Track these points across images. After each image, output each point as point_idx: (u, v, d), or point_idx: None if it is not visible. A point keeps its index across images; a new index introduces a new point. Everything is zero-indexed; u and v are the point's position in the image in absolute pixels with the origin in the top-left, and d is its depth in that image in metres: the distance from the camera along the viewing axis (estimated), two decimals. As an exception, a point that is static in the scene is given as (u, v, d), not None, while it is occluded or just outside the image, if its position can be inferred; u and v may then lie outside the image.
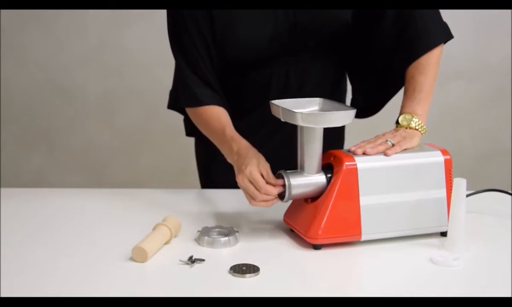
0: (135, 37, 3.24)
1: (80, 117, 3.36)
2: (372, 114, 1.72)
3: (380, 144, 1.40)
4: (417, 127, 1.47)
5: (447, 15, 1.60)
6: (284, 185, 1.37)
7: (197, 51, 1.58)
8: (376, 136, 1.44)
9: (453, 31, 1.59)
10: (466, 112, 3.34)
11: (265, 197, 1.37)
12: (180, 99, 1.64)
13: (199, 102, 1.59)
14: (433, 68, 1.53)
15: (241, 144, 1.47)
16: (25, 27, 3.26)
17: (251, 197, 1.38)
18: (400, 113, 1.50)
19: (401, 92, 1.62)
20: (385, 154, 1.38)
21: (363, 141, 1.42)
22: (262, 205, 1.38)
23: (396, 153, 1.39)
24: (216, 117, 1.57)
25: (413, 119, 1.47)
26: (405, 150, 1.41)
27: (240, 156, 1.43)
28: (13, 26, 3.26)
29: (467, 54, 3.26)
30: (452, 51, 3.20)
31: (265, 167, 1.39)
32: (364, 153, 1.37)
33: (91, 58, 3.29)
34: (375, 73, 1.66)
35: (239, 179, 1.39)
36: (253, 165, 1.38)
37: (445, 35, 1.58)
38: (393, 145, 1.40)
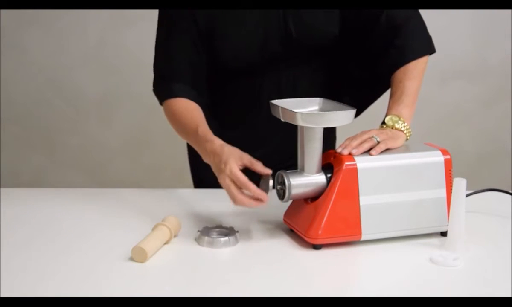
0: (135, 37, 3.24)
1: (80, 117, 3.36)
2: (355, 116, 1.72)
3: (365, 141, 1.40)
4: (402, 129, 1.47)
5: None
6: (268, 177, 1.36)
7: (183, 50, 1.58)
8: (361, 132, 1.44)
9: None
10: (466, 112, 3.34)
11: (246, 198, 1.33)
12: (157, 91, 1.64)
13: (174, 94, 1.59)
14: (420, 75, 1.57)
15: (215, 143, 1.43)
16: (25, 27, 3.26)
17: (232, 197, 1.35)
18: (386, 115, 1.51)
19: (385, 96, 1.62)
20: (370, 154, 1.38)
21: (348, 138, 1.42)
22: (245, 205, 1.34)
23: (381, 150, 1.39)
24: (190, 114, 1.55)
25: (399, 121, 1.48)
26: (388, 150, 1.41)
27: (216, 155, 1.40)
28: (13, 26, 3.26)
29: (467, 54, 3.25)
30: (452, 51, 3.22)
31: (246, 157, 1.37)
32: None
33: (91, 58, 3.29)
34: (364, 77, 1.68)
35: (221, 179, 1.36)
36: (232, 162, 1.35)
37: (430, 47, 1.61)
38: (378, 142, 1.40)
